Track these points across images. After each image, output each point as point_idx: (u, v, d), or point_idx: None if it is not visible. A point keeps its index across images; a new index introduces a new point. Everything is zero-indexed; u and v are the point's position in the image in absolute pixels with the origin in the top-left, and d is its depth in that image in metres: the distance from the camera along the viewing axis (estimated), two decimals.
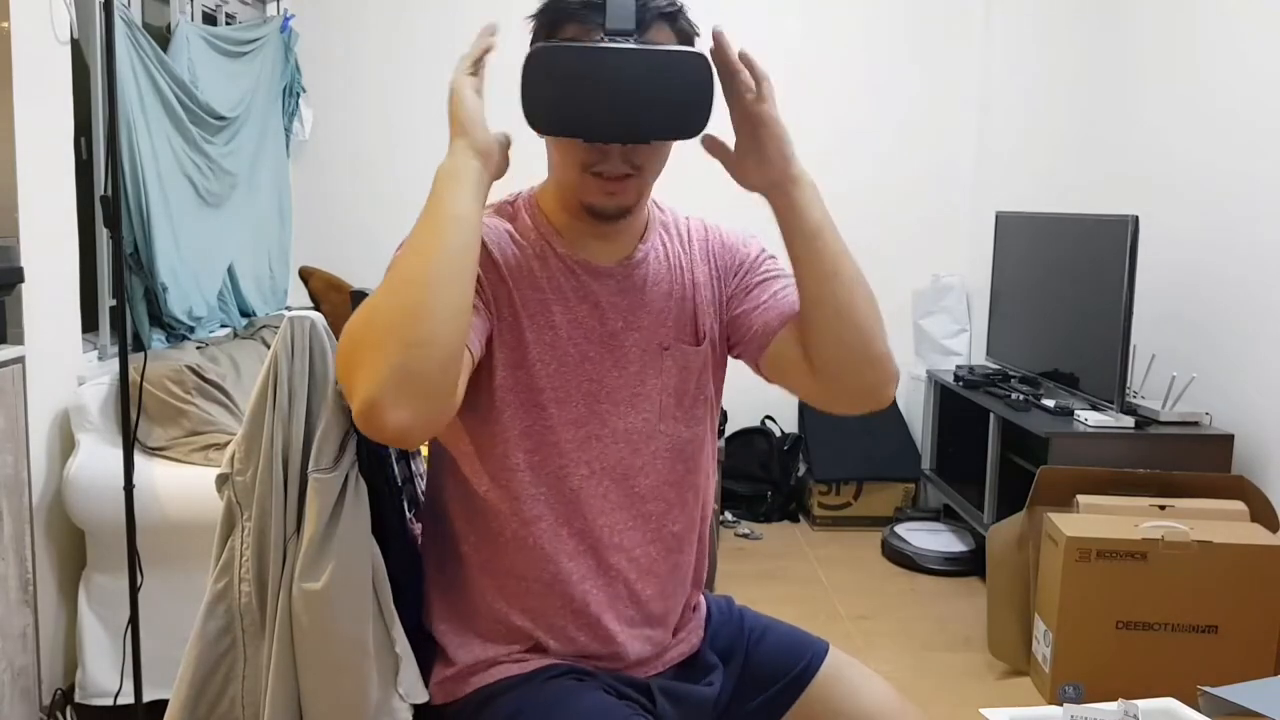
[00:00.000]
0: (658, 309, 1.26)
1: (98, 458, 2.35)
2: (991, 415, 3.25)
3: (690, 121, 1.11)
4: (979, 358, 3.97)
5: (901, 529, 3.83)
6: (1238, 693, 1.24)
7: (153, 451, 2.42)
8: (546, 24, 1.17)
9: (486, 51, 1.14)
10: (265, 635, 1.13)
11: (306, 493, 1.11)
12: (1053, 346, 3.26)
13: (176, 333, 2.94)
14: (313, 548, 1.09)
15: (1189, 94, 2.96)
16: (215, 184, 3.21)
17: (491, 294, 1.19)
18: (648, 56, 1.10)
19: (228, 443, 1.56)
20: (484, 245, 1.18)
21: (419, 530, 1.35)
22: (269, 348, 1.25)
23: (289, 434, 1.12)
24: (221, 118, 3.26)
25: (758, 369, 1.28)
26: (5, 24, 2.21)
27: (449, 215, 1.06)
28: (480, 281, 1.16)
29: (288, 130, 4.01)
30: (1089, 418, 2.88)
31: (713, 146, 1.20)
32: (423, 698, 1.19)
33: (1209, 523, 2.52)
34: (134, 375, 2.25)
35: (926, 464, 3.97)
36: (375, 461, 1.23)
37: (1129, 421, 2.83)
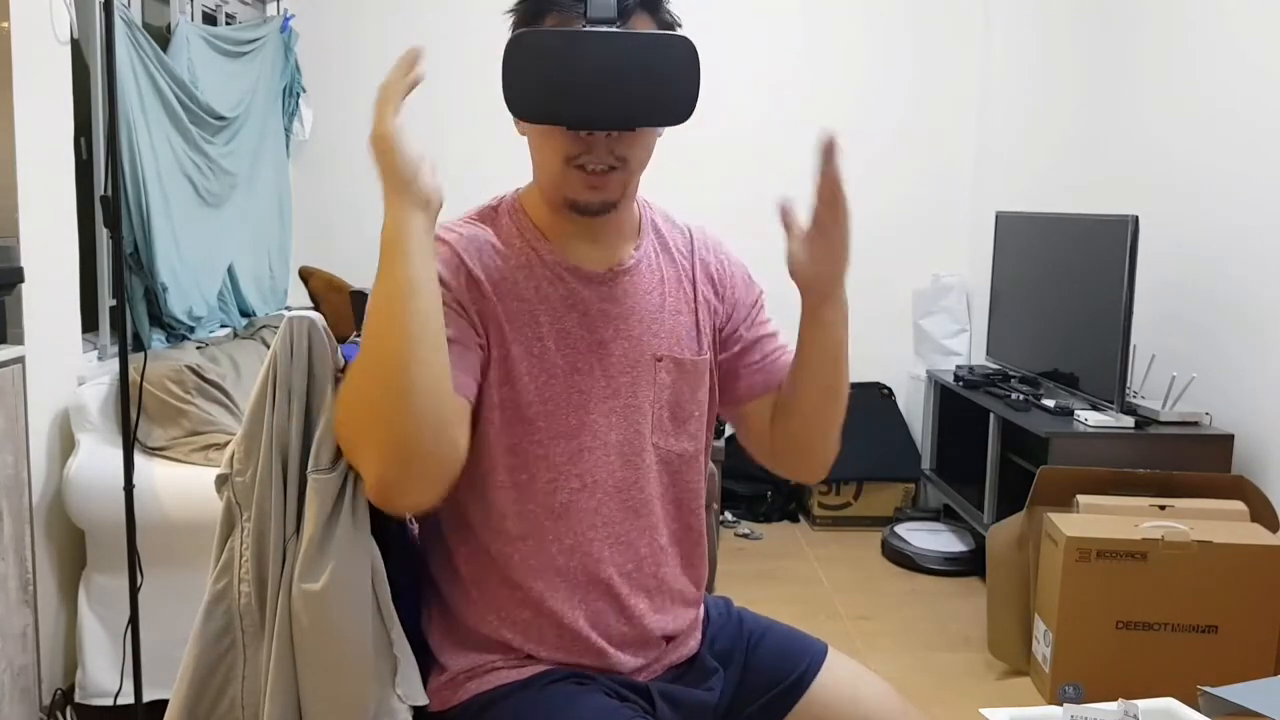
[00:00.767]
0: (650, 318, 1.23)
1: (98, 458, 2.35)
2: (991, 415, 3.25)
3: (676, 107, 1.09)
4: (979, 358, 3.97)
5: (901, 529, 3.83)
6: (1238, 693, 1.23)
7: (153, 451, 2.42)
8: (527, 15, 1.15)
9: (413, 88, 1.05)
10: (265, 636, 1.13)
11: (306, 493, 1.11)
12: (1053, 346, 3.26)
13: (176, 333, 2.94)
14: (312, 548, 1.09)
15: (1189, 94, 2.96)
16: (215, 184, 3.21)
17: (478, 317, 1.15)
18: (632, 40, 1.08)
19: (227, 443, 1.56)
20: (464, 264, 1.16)
21: (419, 531, 1.34)
22: (269, 348, 1.25)
23: (288, 434, 1.12)
24: (221, 118, 3.25)
25: (722, 410, 1.33)
26: (5, 24, 2.21)
27: (403, 290, 1.01)
28: (464, 308, 1.13)
29: (288, 130, 4.01)
30: (1089, 418, 2.88)
31: (786, 216, 1.18)
32: (422, 700, 1.18)
33: (1209, 523, 2.52)
34: (134, 375, 2.25)
35: (926, 464, 3.97)
36: None
37: (1129, 421, 2.83)
